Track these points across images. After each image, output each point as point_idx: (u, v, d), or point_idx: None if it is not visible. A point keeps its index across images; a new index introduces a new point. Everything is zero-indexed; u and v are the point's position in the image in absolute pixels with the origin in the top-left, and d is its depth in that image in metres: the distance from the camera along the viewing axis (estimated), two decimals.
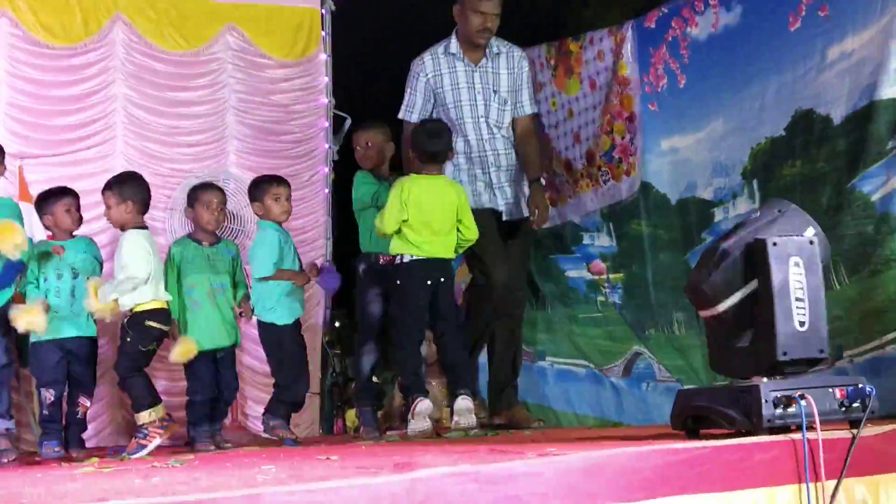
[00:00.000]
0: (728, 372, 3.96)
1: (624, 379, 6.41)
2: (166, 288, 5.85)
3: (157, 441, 5.58)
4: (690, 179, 5.99)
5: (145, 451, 5.46)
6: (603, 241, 6.69)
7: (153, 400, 5.70)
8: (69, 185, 7.08)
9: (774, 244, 3.68)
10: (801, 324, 3.66)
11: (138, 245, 5.68)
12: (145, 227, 5.86)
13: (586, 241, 6.80)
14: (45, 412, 5.67)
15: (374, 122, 6.54)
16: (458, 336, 5.82)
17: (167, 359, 5.96)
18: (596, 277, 6.73)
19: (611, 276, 6.63)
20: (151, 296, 5.69)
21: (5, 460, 5.49)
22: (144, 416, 5.66)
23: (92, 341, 5.93)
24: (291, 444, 5.84)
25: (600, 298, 6.71)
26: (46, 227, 6.06)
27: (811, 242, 3.75)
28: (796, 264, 3.67)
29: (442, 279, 5.72)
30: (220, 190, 6.31)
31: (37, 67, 7.30)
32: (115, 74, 7.53)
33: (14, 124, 7.16)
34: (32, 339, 5.71)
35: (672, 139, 6.19)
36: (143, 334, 5.69)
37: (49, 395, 5.66)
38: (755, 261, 3.72)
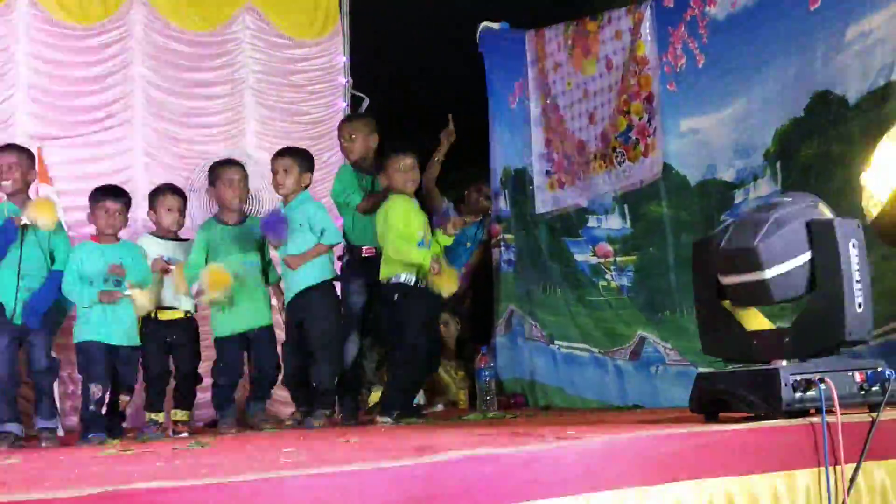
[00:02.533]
0: (744, 355, 3.94)
1: (632, 362, 6.39)
2: (195, 266, 6.02)
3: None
4: (711, 161, 5.95)
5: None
6: (612, 224, 6.65)
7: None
8: (88, 167, 7.17)
9: (839, 225, 3.69)
10: (860, 305, 3.67)
11: None
12: None
13: (592, 223, 6.77)
14: (92, 407, 5.55)
15: (359, 114, 6.65)
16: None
17: None
18: (601, 260, 6.71)
19: (618, 258, 6.61)
20: None
21: (45, 445, 5.55)
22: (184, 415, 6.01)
23: (136, 349, 5.86)
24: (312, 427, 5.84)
25: (602, 283, 6.69)
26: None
27: (858, 226, 3.75)
28: (853, 246, 3.67)
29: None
30: (241, 166, 6.31)
31: (56, 48, 7.30)
32: (133, 55, 7.53)
33: (33, 105, 7.17)
34: (81, 337, 5.65)
35: (691, 120, 6.15)
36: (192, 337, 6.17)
37: (97, 390, 5.56)
38: (818, 237, 3.71)
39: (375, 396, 6.83)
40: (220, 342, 6.05)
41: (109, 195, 5.85)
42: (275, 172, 6.12)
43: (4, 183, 5.75)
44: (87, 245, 5.76)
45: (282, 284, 6.20)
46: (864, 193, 4.08)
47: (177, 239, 6.23)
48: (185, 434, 5.83)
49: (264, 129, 7.95)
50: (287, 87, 8.13)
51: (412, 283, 5.91)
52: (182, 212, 6.17)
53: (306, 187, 6.14)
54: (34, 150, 6.76)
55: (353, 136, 6.43)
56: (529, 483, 2.94)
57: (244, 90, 7.93)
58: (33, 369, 5.72)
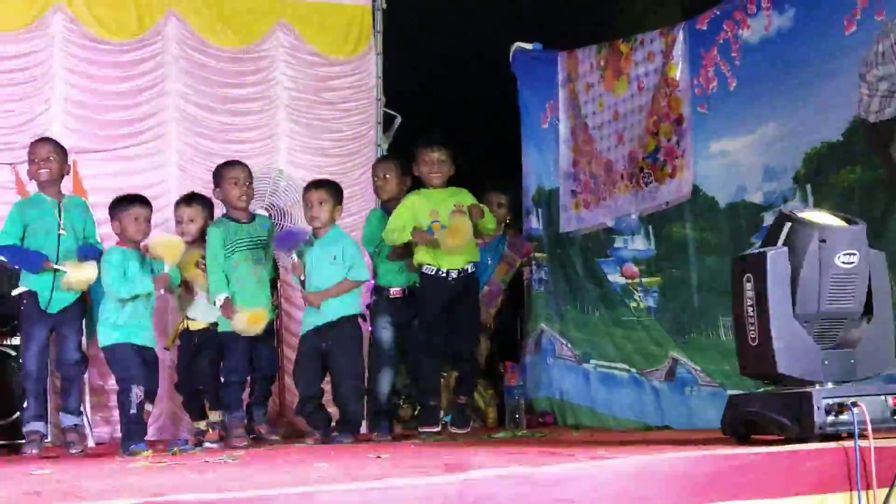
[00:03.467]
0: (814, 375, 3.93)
1: (667, 383, 6.37)
2: (220, 269, 6.05)
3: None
4: (740, 183, 5.93)
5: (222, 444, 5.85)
6: (637, 245, 6.65)
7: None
8: (122, 181, 7.23)
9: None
10: None
11: None
12: None
13: (619, 244, 6.77)
14: (133, 411, 5.53)
15: (394, 154, 6.73)
16: None
17: None
18: (629, 281, 6.70)
19: (644, 279, 6.60)
20: None
21: (74, 451, 5.61)
22: (217, 415, 6.10)
23: (155, 352, 5.93)
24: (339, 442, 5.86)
25: (632, 304, 6.69)
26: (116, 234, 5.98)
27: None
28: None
29: None
30: (245, 165, 6.37)
31: (91, 62, 7.37)
32: (168, 70, 7.60)
33: (69, 119, 7.24)
34: (111, 340, 5.68)
35: (721, 142, 6.14)
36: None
37: (139, 391, 5.57)
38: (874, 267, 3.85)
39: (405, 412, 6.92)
40: (226, 338, 6.07)
41: (138, 202, 5.92)
42: (309, 204, 6.14)
43: (42, 171, 5.91)
44: (119, 250, 5.81)
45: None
46: None
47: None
48: (217, 441, 5.86)
49: (296, 146, 7.99)
50: (319, 105, 8.16)
51: (431, 272, 6.09)
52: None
53: (335, 220, 6.21)
54: (70, 164, 6.86)
55: (387, 176, 6.49)
56: (561, 502, 2.94)
57: (277, 106, 7.97)
58: (64, 361, 5.82)
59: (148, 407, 5.84)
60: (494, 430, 6.35)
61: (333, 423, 6.05)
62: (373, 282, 6.53)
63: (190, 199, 6.41)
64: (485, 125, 7.51)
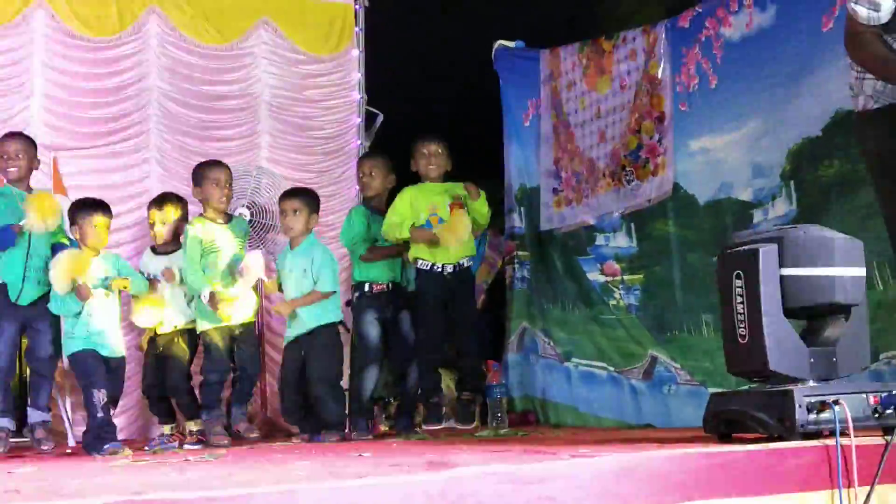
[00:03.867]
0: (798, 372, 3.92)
1: (645, 382, 6.39)
2: (197, 267, 6.08)
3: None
4: (725, 180, 5.95)
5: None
6: (619, 242, 6.67)
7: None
8: (102, 178, 7.20)
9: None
10: None
11: None
12: None
13: (600, 241, 6.79)
14: (100, 414, 5.51)
15: (380, 151, 6.76)
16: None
17: None
18: (609, 279, 6.72)
19: (626, 277, 6.62)
20: None
21: (45, 448, 5.58)
22: (195, 424, 6.07)
23: (123, 359, 5.89)
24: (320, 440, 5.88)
25: (612, 302, 6.70)
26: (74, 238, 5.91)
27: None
28: None
29: None
30: (227, 166, 6.36)
31: (72, 59, 7.33)
32: (149, 67, 7.56)
33: (49, 116, 7.20)
34: (74, 349, 5.65)
35: (702, 139, 6.16)
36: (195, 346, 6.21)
37: (101, 395, 5.55)
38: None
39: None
40: (207, 336, 6.08)
41: (100, 209, 5.84)
42: (284, 213, 6.19)
43: (10, 169, 5.86)
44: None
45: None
46: None
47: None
48: (197, 444, 5.84)
49: (278, 144, 7.97)
50: (301, 102, 8.14)
51: (427, 267, 6.14)
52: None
53: (310, 229, 6.22)
54: (50, 161, 6.83)
55: (373, 174, 6.48)
56: (543, 500, 2.93)
57: (259, 104, 7.95)
58: (36, 356, 5.76)
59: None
60: (476, 430, 6.34)
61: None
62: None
63: (161, 200, 6.37)
64: (467, 123, 7.49)
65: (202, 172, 6.24)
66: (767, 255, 3.78)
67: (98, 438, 5.42)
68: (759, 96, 5.77)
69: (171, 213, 6.30)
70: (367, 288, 6.34)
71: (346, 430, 6.22)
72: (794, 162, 5.53)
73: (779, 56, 5.60)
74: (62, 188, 6.83)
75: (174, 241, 6.33)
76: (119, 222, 6.67)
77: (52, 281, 5.52)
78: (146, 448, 5.66)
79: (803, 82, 5.49)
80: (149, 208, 6.45)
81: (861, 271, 3.86)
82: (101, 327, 5.65)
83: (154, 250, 6.38)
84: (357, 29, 8.42)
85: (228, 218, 6.31)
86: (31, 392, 5.86)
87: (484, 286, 7.66)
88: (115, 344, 5.73)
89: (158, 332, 6.25)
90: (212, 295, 5.94)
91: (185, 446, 5.86)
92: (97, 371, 5.59)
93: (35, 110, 7.13)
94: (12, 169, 5.85)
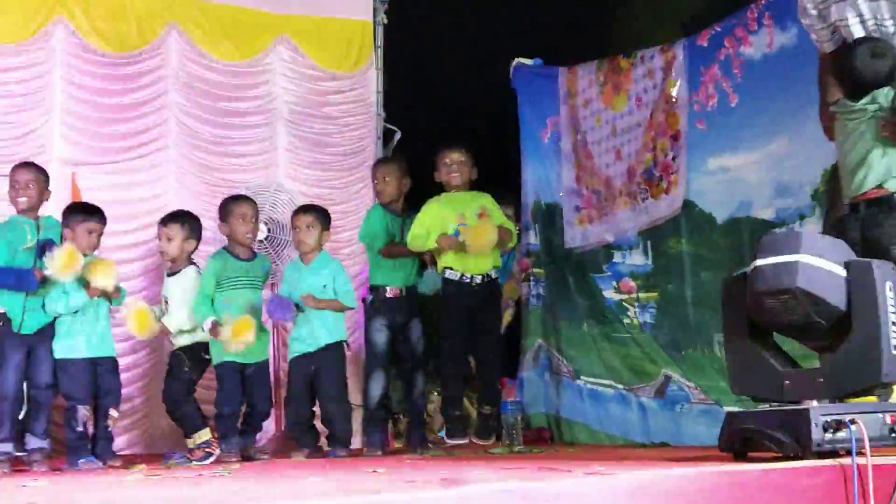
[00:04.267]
0: (775, 395, 3.91)
1: (657, 400, 6.37)
2: (207, 296, 6.01)
3: (216, 452, 5.82)
4: (744, 199, 5.92)
5: (212, 459, 5.77)
6: (635, 260, 6.66)
7: (204, 421, 5.96)
8: (121, 193, 7.22)
9: (878, 267, 3.68)
10: (895, 347, 3.65)
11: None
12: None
13: (617, 258, 6.79)
14: (80, 429, 5.59)
15: (394, 157, 6.72)
16: None
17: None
18: (624, 297, 6.70)
19: (641, 295, 6.60)
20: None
21: (39, 469, 5.48)
22: (203, 435, 5.91)
23: (116, 359, 5.95)
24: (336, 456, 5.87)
25: (626, 319, 6.69)
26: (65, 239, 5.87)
27: (894, 268, 3.75)
28: (890, 288, 3.66)
29: None
30: (253, 201, 6.33)
31: (92, 75, 7.36)
32: (168, 83, 7.58)
33: (68, 131, 7.23)
34: (66, 354, 5.68)
35: (721, 158, 6.15)
36: (199, 364, 6.06)
37: (85, 411, 5.62)
38: (856, 278, 3.70)
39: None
40: (219, 369, 6.04)
41: (96, 216, 5.90)
42: (297, 228, 6.18)
43: (20, 200, 5.79)
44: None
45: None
46: None
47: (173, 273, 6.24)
48: (209, 459, 5.81)
49: (296, 160, 7.99)
50: (319, 119, 8.16)
51: (456, 277, 6.12)
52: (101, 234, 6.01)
53: (322, 246, 6.25)
54: (69, 176, 6.86)
55: (387, 179, 6.47)
56: None
57: (277, 120, 7.97)
58: (35, 384, 5.69)
59: (113, 413, 5.83)
60: (491, 446, 6.33)
61: (321, 441, 6.15)
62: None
63: (169, 218, 6.26)
64: (484, 141, 7.49)
65: (228, 207, 6.19)
66: None
67: (74, 454, 5.53)
68: (783, 116, 5.75)
69: (179, 229, 6.15)
70: (381, 293, 6.33)
71: (359, 446, 6.21)
72: (827, 183, 5.48)
73: (804, 76, 5.56)
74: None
75: (183, 259, 6.19)
76: (136, 238, 6.72)
77: (55, 271, 5.52)
78: (163, 462, 5.66)
79: None
80: (158, 225, 6.31)
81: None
82: (95, 328, 5.73)
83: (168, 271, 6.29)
84: (375, 46, 8.45)
85: (252, 255, 6.29)
86: (30, 419, 5.74)
87: (510, 302, 7.63)
88: (107, 343, 5.82)
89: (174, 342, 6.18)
90: (213, 324, 5.92)
91: (194, 462, 5.82)
92: (85, 385, 5.67)
93: (54, 125, 7.16)
94: (22, 199, 5.77)
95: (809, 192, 5.61)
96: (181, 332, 6.06)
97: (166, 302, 6.11)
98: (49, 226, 5.85)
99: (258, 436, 6.33)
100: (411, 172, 6.57)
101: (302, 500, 2.72)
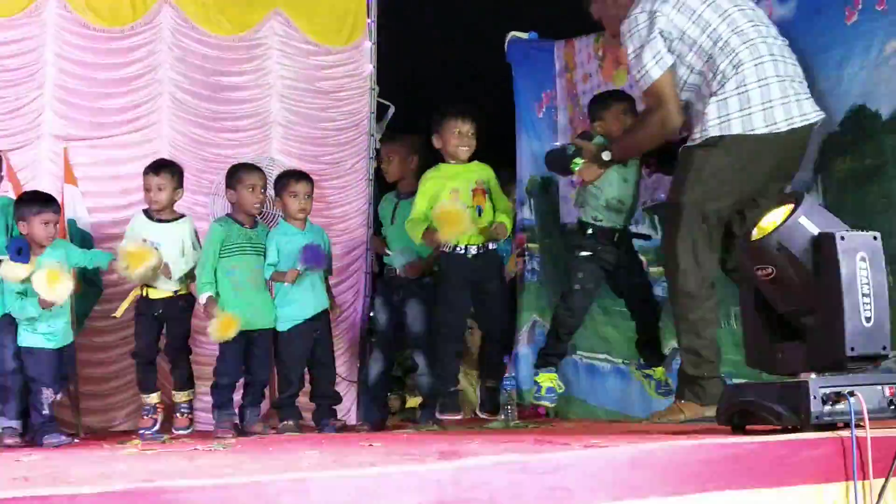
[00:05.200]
0: (773, 368, 3.91)
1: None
2: (211, 267, 6.03)
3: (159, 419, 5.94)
4: None
5: (191, 429, 5.85)
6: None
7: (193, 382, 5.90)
8: (113, 168, 7.18)
9: (843, 238, 3.63)
10: (868, 319, 3.61)
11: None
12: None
13: None
14: (46, 411, 5.58)
15: (398, 134, 6.64)
16: None
17: None
18: None
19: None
20: None
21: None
22: (184, 396, 5.84)
23: (71, 346, 5.93)
24: (332, 431, 5.88)
25: None
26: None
27: (875, 238, 3.70)
28: (863, 259, 3.62)
29: None
30: (263, 172, 6.33)
31: (84, 50, 7.30)
32: (161, 58, 7.52)
33: (60, 106, 7.17)
34: (30, 343, 5.66)
35: None
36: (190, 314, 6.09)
37: (49, 393, 5.61)
38: (818, 251, 3.66)
39: (414, 402, 6.92)
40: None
41: (49, 206, 5.82)
42: (295, 194, 6.19)
43: None
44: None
45: None
46: None
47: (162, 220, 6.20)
48: (185, 430, 5.80)
49: (290, 134, 7.94)
50: (313, 93, 8.12)
51: (449, 249, 5.95)
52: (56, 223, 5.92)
53: None
54: (61, 151, 6.82)
55: (391, 158, 6.43)
56: (556, 490, 2.91)
57: (271, 95, 7.92)
58: (1, 370, 5.70)
59: (57, 396, 5.78)
60: (487, 421, 6.32)
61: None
62: None
63: (158, 166, 6.24)
64: (479, 115, 7.44)
65: (238, 175, 6.21)
66: None
67: (42, 433, 5.51)
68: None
69: (169, 180, 6.16)
70: (387, 271, 6.36)
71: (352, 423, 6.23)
72: (822, 155, 5.46)
73: (800, 49, 5.53)
74: (73, 178, 6.83)
75: (170, 210, 6.21)
76: (128, 213, 6.64)
77: (47, 297, 5.53)
78: (141, 429, 5.66)
79: (825, 76, 5.42)
80: (145, 174, 6.26)
81: None
82: (56, 317, 5.71)
83: (149, 216, 6.19)
84: (369, 20, 8.39)
85: (254, 223, 6.28)
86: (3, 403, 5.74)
87: (512, 275, 7.58)
88: (66, 332, 5.78)
89: (151, 295, 6.10)
90: (209, 299, 5.89)
91: (175, 430, 5.81)
92: (50, 369, 5.64)
93: (47, 100, 7.10)
94: None
95: (812, 167, 5.58)
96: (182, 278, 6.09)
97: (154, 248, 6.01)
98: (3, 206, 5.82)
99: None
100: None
101: (298, 472, 2.70)
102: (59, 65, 7.18)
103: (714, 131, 4.99)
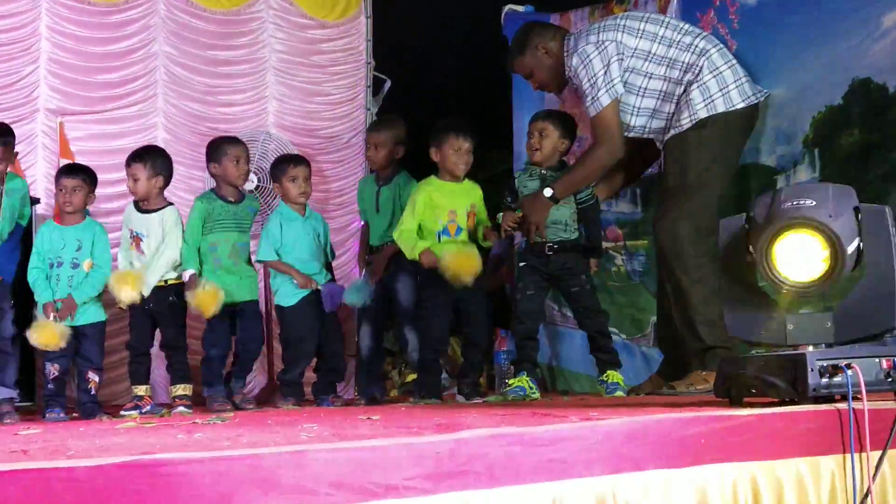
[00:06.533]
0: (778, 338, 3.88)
1: (655, 349, 6.35)
2: (195, 244, 5.94)
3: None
4: (752, 145, 5.88)
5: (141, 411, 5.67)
6: (623, 208, 6.62)
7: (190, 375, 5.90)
8: (109, 143, 7.17)
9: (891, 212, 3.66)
10: None
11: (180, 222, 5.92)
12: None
13: (602, 207, 6.72)
14: (50, 386, 5.57)
15: (385, 122, 6.59)
16: None
17: None
18: (611, 245, 6.67)
19: (628, 243, 6.57)
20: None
21: (8, 421, 5.32)
22: (181, 389, 5.87)
23: (103, 323, 5.82)
24: (329, 405, 5.89)
25: (613, 268, 6.65)
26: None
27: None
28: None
29: None
30: (245, 144, 6.26)
31: (78, 24, 7.30)
32: (156, 32, 7.53)
33: (55, 80, 7.17)
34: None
35: None
36: (183, 305, 5.88)
37: (53, 369, 5.57)
38: (868, 224, 3.67)
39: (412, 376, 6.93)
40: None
41: (64, 173, 5.78)
42: (294, 179, 6.12)
43: None
44: (48, 224, 5.71)
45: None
46: None
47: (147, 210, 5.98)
48: (184, 408, 5.76)
49: (285, 109, 7.95)
50: (309, 68, 8.11)
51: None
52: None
53: None
54: (56, 126, 6.80)
55: (377, 147, 6.37)
56: (554, 462, 2.91)
57: (266, 69, 7.92)
58: (3, 335, 5.56)
59: (93, 377, 5.72)
60: (484, 395, 6.33)
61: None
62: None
63: (132, 157, 5.97)
64: (475, 89, 7.44)
65: (222, 148, 6.09)
66: None
67: (47, 406, 5.54)
68: (782, 63, 5.70)
69: (140, 170, 5.88)
70: (372, 251, 6.40)
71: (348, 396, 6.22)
72: (818, 130, 5.47)
73: (798, 22, 5.52)
74: (69, 152, 6.82)
75: (157, 199, 5.96)
76: (124, 188, 6.62)
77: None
78: (122, 413, 5.63)
79: (824, 49, 5.42)
80: (126, 164, 6.01)
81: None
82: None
83: (138, 207, 6.00)
84: None
85: (240, 197, 6.22)
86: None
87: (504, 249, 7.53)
88: (87, 308, 5.68)
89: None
90: (191, 276, 5.86)
91: (174, 410, 5.78)
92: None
93: (41, 74, 7.11)
94: None
95: (801, 139, 5.59)
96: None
97: (138, 238, 5.90)
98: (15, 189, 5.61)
99: (250, 385, 6.30)
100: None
101: (298, 445, 2.70)
102: (53, 39, 7.18)
103: (702, 113, 5.38)
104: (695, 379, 5.23)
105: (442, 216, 5.95)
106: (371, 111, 8.24)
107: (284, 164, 6.21)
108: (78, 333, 5.64)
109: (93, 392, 5.68)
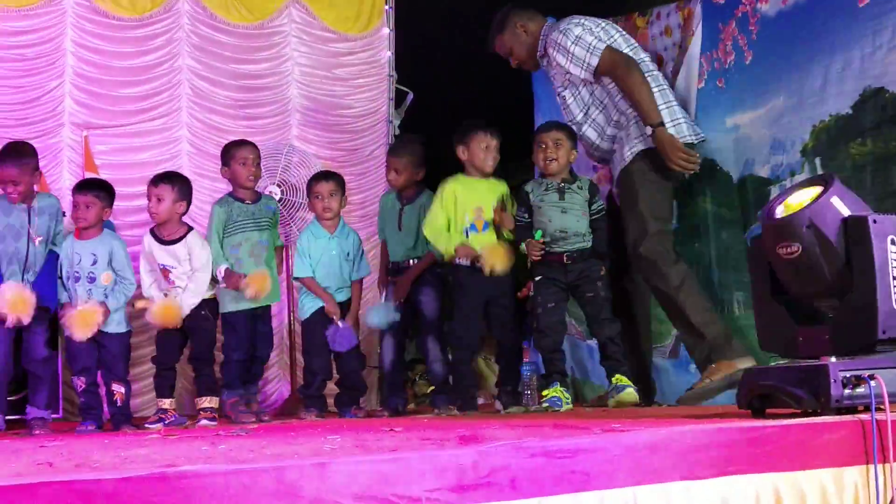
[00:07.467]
0: (793, 352, 3.89)
1: (670, 360, 6.34)
2: (220, 247, 6.00)
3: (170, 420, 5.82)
4: (749, 157, 5.90)
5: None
6: None
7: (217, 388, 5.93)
8: (133, 156, 7.22)
9: (875, 221, 3.61)
10: None
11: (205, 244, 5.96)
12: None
13: None
14: (82, 399, 5.64)
15: (403, 145, 6.58)
16: None
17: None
18: None
19: None
20: None
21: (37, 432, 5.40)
22: (207, 402, 5.90)
23: (126, 335, 5.82)
24: (352, 416, 5.90)
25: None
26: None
27: None
28: (892, 242, 3.60)
29: None
30: (254, 146, 6.29)
31: (103, 38, 7.36)
32: (180, 46, 7.58)
33: (80, 94, 7.23)
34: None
35: (735, 116, 6.10)
36: (215, 319, 6.01)
37: (80, 382, 5.61)
38: (853, 234, 3.61)
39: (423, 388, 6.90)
40: (229, 317, 6.03)
41: (77, 189, 5.79)
42: (321, 196, 6.15)
43: (12, 196, 5.51)
44: (68, 239, 5.70)
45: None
46: None
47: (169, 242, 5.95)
48: (208, 421, 5.78)
49: (308, 122, 7.99)
50: (332, 81, 8.15)
51: (466, 263, 5.96)
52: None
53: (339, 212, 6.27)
54: (81, 139, 6.85)
55: (398, 170, 6.36)
56: (576, 474, 2.91)
57: (289, 83, 7.96)
58: (31, 358, 5.59)
59: (119, 389, 5.71)
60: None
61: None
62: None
63: (159, 178, 5.98)
64: (498, 102, 7.43)
65: (230, 151, 6.19)
66: None
67: (82, 420, 5.63)
68: (790, 73, 5.71)
69: (169, 191, 5.87)
70: (392, 266, 6.39)
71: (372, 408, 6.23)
72: (819, 138, 5.46)
73: (813, 32, 5.53)
74: (93, 166, 6.87)
75: (178, 228, 5.94)
76: (131, 202, 6.69)
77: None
78: (146, 426, 5.65)
79: (836, 59, 5.42)
80: (153, 183, 5.97)
81: None
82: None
83: (158, 238, 5.94)
84: (387, 7, 8.41)
85: (256, 197, 6.26)
86: (30, 392, 5.70)
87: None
88: (112, 318, 5.68)
89: None
90: (227, 271, 5.90)
91: (198, 423, 5.79)
92: (79, 358, 5.62)
93: (67, 88, 7.17)
94: (13, 195, 5.50)
95: (799, 148, 5.58)
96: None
97: (166, 270, 5.89)
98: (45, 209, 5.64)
99: (273, 397, 6.32)
100: (424, 134, 6.50)
101: (321, 457, 2.71)
102: (78, 53, 7.25)
103: (640, 146, 5.87)
104: (711, 373, 5.47)
105: (469, 212, 6.00)
106: (394, 124, 8.27)
107: (312, 180, 6.27)
108: (100, 344, 5.67)
109: (119, 404, 5.70)
